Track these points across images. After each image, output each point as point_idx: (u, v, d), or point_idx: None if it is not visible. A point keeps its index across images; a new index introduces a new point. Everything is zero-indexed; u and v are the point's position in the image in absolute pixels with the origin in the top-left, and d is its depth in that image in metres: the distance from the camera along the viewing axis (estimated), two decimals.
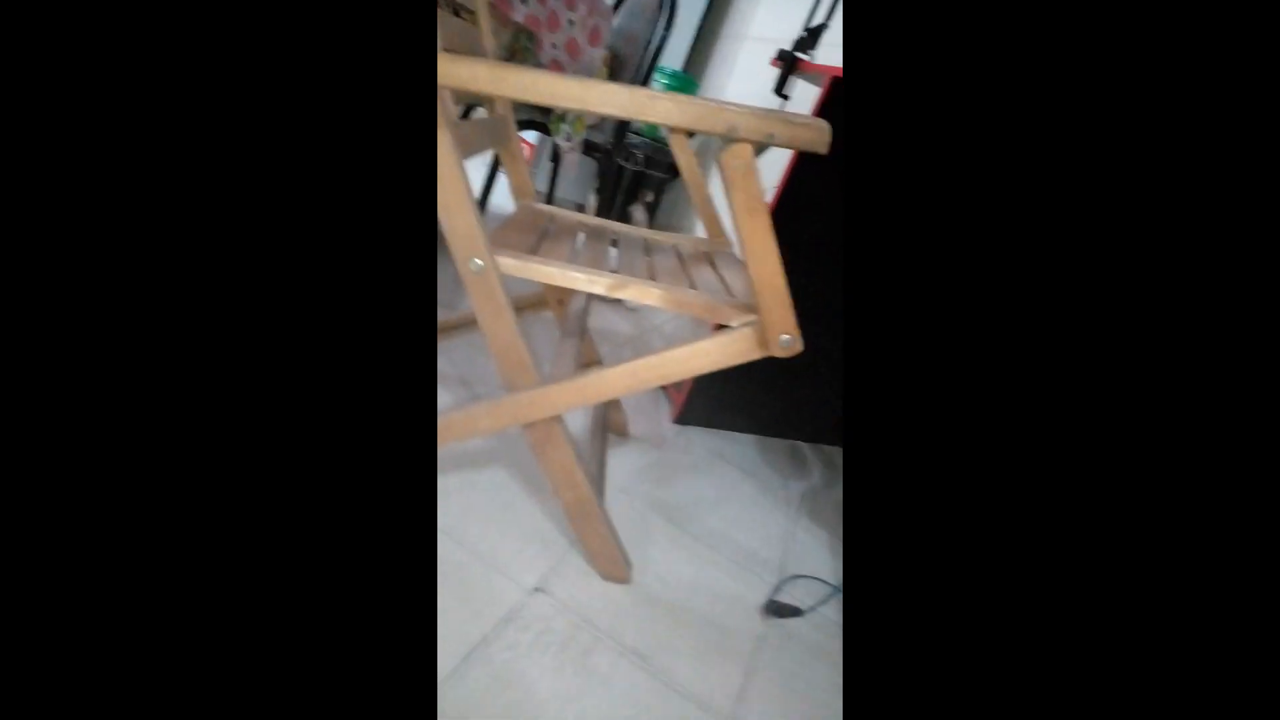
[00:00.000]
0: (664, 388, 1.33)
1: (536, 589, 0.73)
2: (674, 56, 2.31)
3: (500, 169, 1.44)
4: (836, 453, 1.34)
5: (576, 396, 0.66)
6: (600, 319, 1.60)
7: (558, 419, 0.69)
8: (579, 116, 1.59)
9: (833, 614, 0.86)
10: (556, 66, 1.47)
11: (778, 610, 0.82)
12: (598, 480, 0.85)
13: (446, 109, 0.58)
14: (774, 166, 1.13)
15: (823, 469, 1.25)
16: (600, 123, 1.77)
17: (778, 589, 0.87)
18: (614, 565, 0.77)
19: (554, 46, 1.44)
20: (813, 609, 0.85)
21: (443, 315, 1.08)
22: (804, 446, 1.32)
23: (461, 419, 0.69)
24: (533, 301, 1.07)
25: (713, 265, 0.84)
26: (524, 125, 1.52)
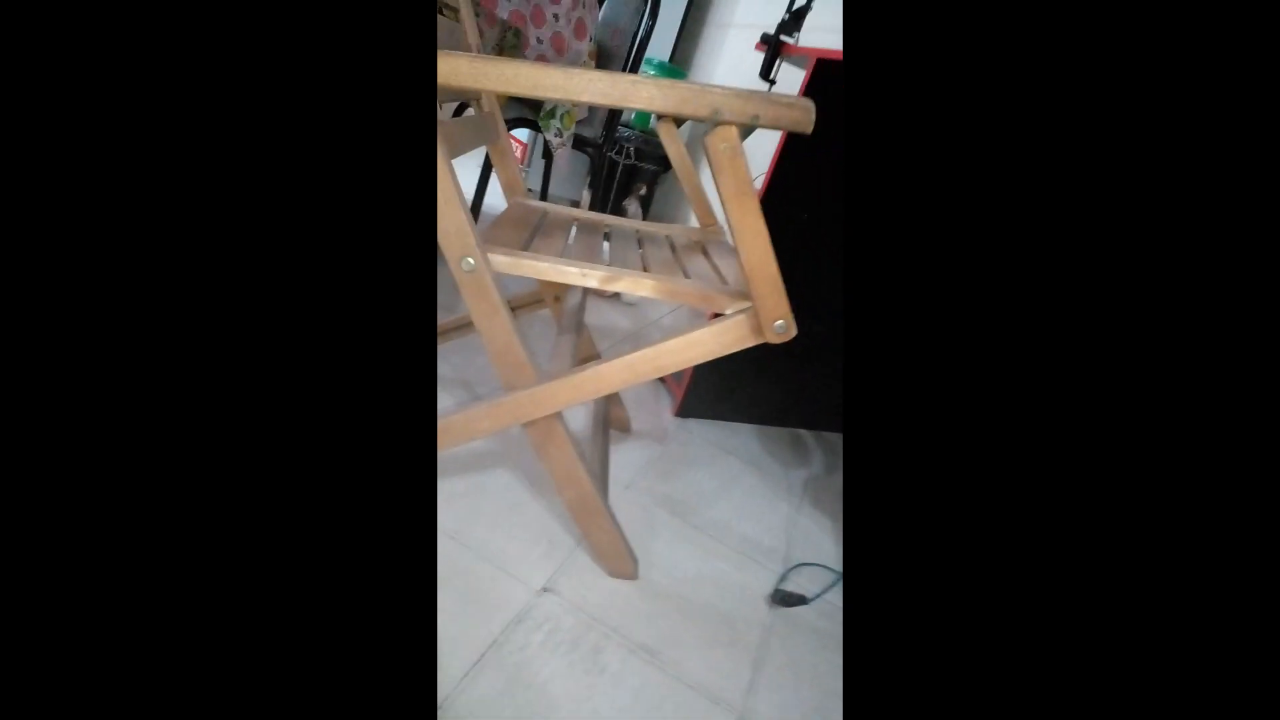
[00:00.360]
0: (664, 381, 1.32)
1: (545, 589, 0.73)
2: (660, 47, 2.30)
3: (492, 169, 1.42)
4: (837, 439, 1.33)
5: (574, 393, 0.66)
6: (598, 315, 1.59)
7: (558, 417, 0.69)
8: (568, 111, 1.58)
9: (838, 601, 0.86)
10: (543, 62, 1.46)
11: (784, 599, 0.81)
12: (601, 477, 0.84)
13: None
14: (762, 153, 1.12)
15: (824, 456, 1.25)
16: (590, 117, 1.76)
17: (783, 578, 0.86)
18: (620, 562, 0.77)
19: (539, 42, 1.42)
20: (818, 596, 0.84)
21: (441, 318, 1.07)
22: (805, 434, 1.31)
23: (461, 421, 0.68)
24: (529, 300, 1.06)
25: (706, 254, 0.84)
26: (514, 123, 1.51)
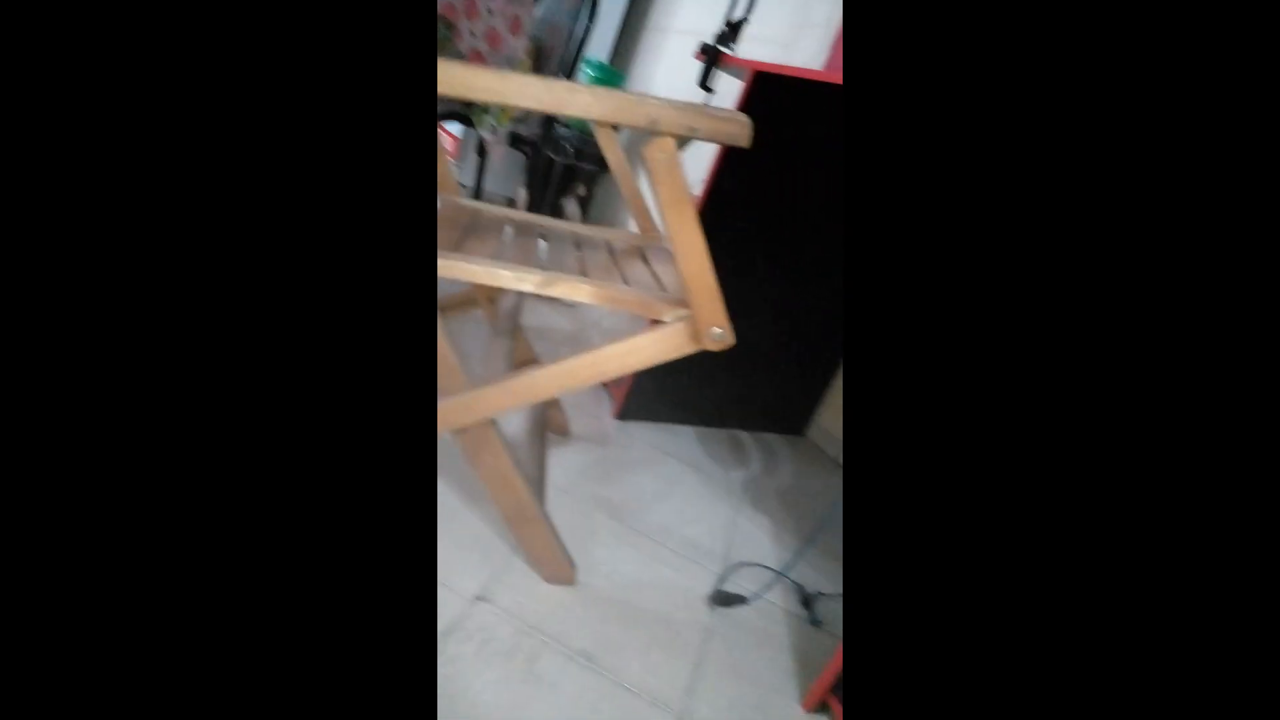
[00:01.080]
0: (604, 383, 1.32)
1: (478, 598, 0.71)
2: (600, 48, 2.29)
3: None
4: (775, 440, 1.37)
5: (508, 398, 0.64)
6: (537, 316, 1.57)
7: (491, 422, 0.67)
8: (503, 107, 1.55)
9: (778, 599, 0.88)
10: (477, 56, 1.42)
11: (724, 600, 0.83)
12: (538, 482, 0.83)
13: None
14: (701, 161, 1.14)
15: (762, 457, 1.28)
16: (527, 115, 1.73)
17: (723, 578, 0.88)
18: (558, 568, 0.76)
19: (473, 35, 1.39)
20: (758, 596, 0.86)
21: None
22: (743, 435, 1.34)
23: None
24: (461, 301, 1.03)
25: (645, 260, 0.84)
26: (445, 116, 1.47)
